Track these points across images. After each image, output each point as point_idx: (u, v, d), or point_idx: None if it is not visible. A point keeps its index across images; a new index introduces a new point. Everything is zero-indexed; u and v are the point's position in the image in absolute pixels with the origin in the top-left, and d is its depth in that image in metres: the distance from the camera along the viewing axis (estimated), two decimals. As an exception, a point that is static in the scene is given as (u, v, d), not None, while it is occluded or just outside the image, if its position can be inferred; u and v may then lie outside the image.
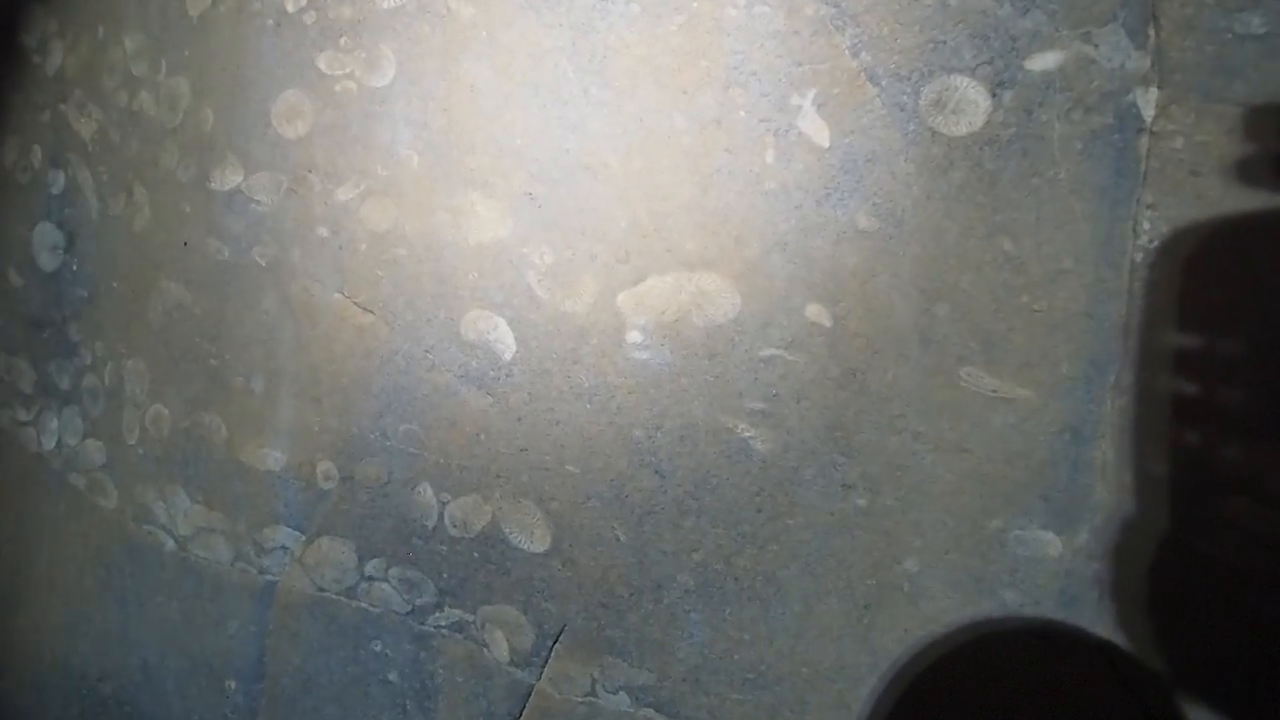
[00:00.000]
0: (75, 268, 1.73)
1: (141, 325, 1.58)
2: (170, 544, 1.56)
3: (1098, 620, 0.98)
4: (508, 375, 1.23)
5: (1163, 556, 0.96)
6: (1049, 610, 1.01)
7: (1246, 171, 0.93)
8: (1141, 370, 0.96)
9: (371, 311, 1.32)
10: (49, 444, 1.78)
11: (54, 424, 1.77)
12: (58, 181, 1.76)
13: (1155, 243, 0.95)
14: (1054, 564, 1.00)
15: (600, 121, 1.17)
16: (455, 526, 1.28)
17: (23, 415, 1.84)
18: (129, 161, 1.62)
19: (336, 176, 1.35)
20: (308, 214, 1.38)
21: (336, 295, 1.35)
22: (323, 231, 1.36)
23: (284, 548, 1.42)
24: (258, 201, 1.43)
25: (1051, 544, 1.00)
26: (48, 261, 1.79)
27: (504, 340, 1.23)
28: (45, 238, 1.79)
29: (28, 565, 1.79)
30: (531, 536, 1.23)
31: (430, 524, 1.30)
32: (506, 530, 1.25)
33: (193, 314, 1.51)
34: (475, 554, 1.27)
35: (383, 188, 1.31)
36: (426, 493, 1.30)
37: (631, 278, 1.16)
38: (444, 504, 1.29)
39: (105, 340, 1.66)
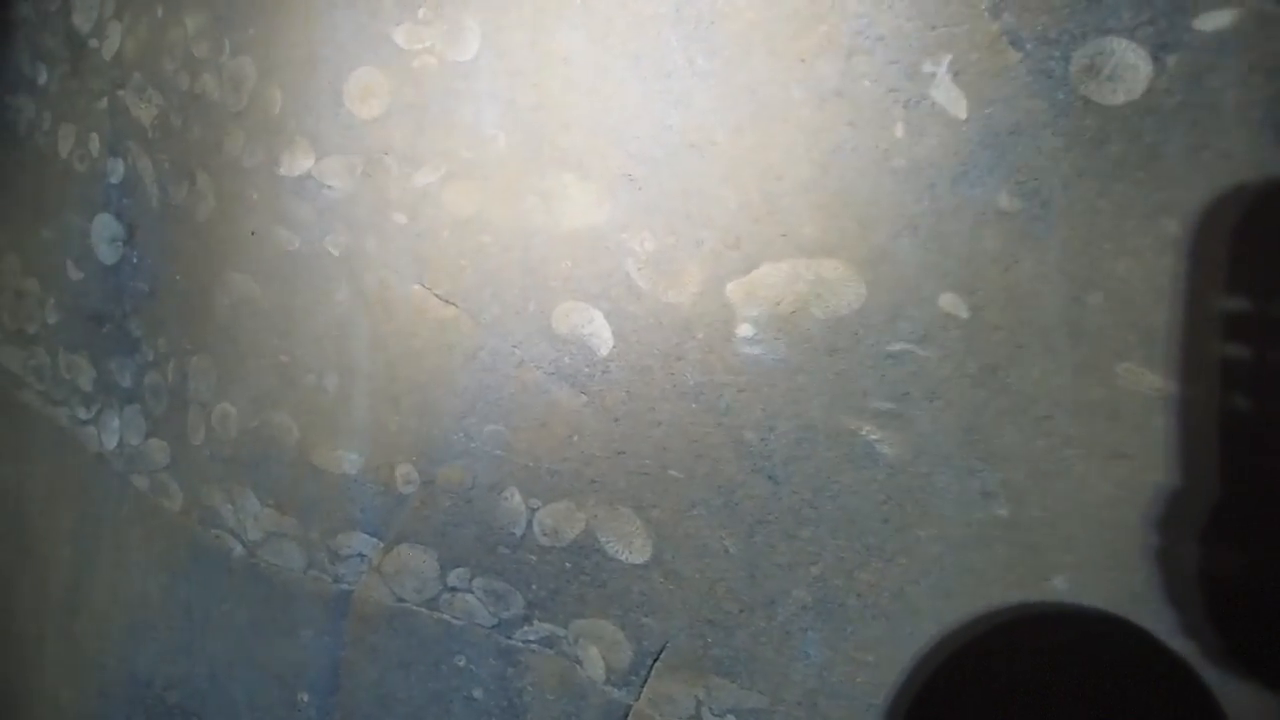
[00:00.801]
0: (136, 260, 1.72)
1: (206, 320, 1.56)
2: (239, 549, 1.53)
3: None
4: (604, 372, 1.18)
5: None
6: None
7: None
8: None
9: (454, 304, 1.28)
10: (110, 443, 1.77)
11: (115, 423, 1.77)
12: (117, 170, 1.75)
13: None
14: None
15: (707, 94, 1.11)
16: (546, 535, 1.23)
17: (83, 413, 1.84)
18: (191, 148, 1.60)
19: (415, 159, 1.31)
20: (384, 199, 1.34)
21: (415, 287, 1.31)
22: (400, 218, 1.32)
23: (360, 555, 1.39)
24: (330, 187, 1.39)
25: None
26: (107, 254, 1.78)
27: (600, 334, 1.18)
28: (105, 229, 1.78)
29: (89, 568, 1.79)
30: (630, 546, 1.18)
31: (518, 532, 1.25)
32: (602, 539, 1.20)
33: (261, 308, 1.48)
34: (567, 564, 1.22)
35: (466, 170, 1.26)
36: (514, 498, 1.25)
37: (742, 265, 1.10)
38: (533, 510, 1.24)
39: (168, 336, 1.64)
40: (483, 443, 1.26)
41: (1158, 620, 0.94)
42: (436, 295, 1.29)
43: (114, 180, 1.75)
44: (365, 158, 1.35)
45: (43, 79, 1.95)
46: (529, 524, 1.24)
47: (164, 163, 1.65)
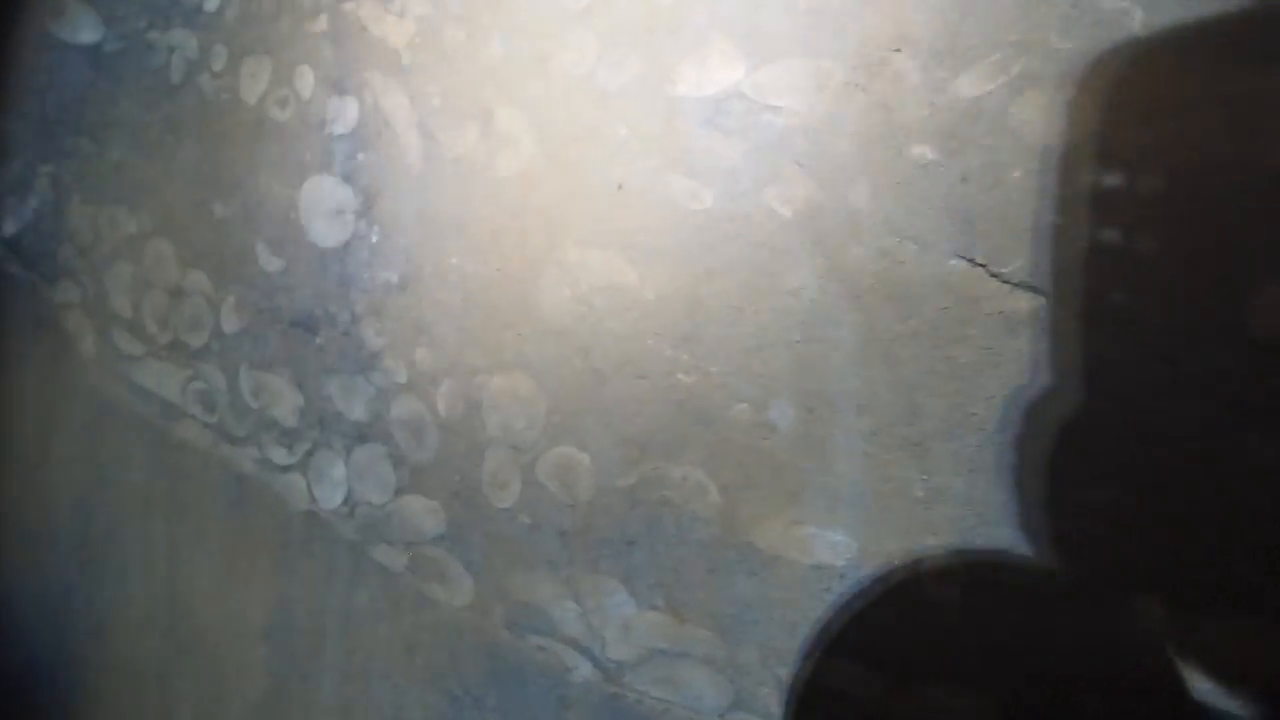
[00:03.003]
0: (376, 239, 1.28)
1: (519, 321, 1.11)
2: (586, 671, 1.07)
3: None
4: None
5: None
6: None
7: None
8: None
9: (1038, 290, 0.82)
10: (331, 499, 1.33)
11: (338, 469, 1.32)
12: (344, 114, 1.32)
13: None
14: None
15: None
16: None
17: (280, 456, 1.39)
18: (485, 71, 1.16)
19: (958, 55, 0.85)
20: (889, 124, 0.89)
21: (956, 262, 0.85)
22: (924, 152, 0.87)
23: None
24: (776, 109, 0.94)
25: None
26: (327, 232, 1.34)
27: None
28: (322, 198, 1.35)
29: (300, 679, 1.34)
30: None
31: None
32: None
33: (637, 299, 1.03)
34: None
35: (1073, 70, 0.81)
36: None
37: None
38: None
39: (435, 346, 1.20)
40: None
41: None
42: (1000, 276, 0.83)
43: (340, 129, 1.32)
44: (854, 60, 0.90)
45: (212, 3, 1.52)
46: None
47: (431, 98, 1.21)
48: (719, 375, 0.97)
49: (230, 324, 1.48)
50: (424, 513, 1.22)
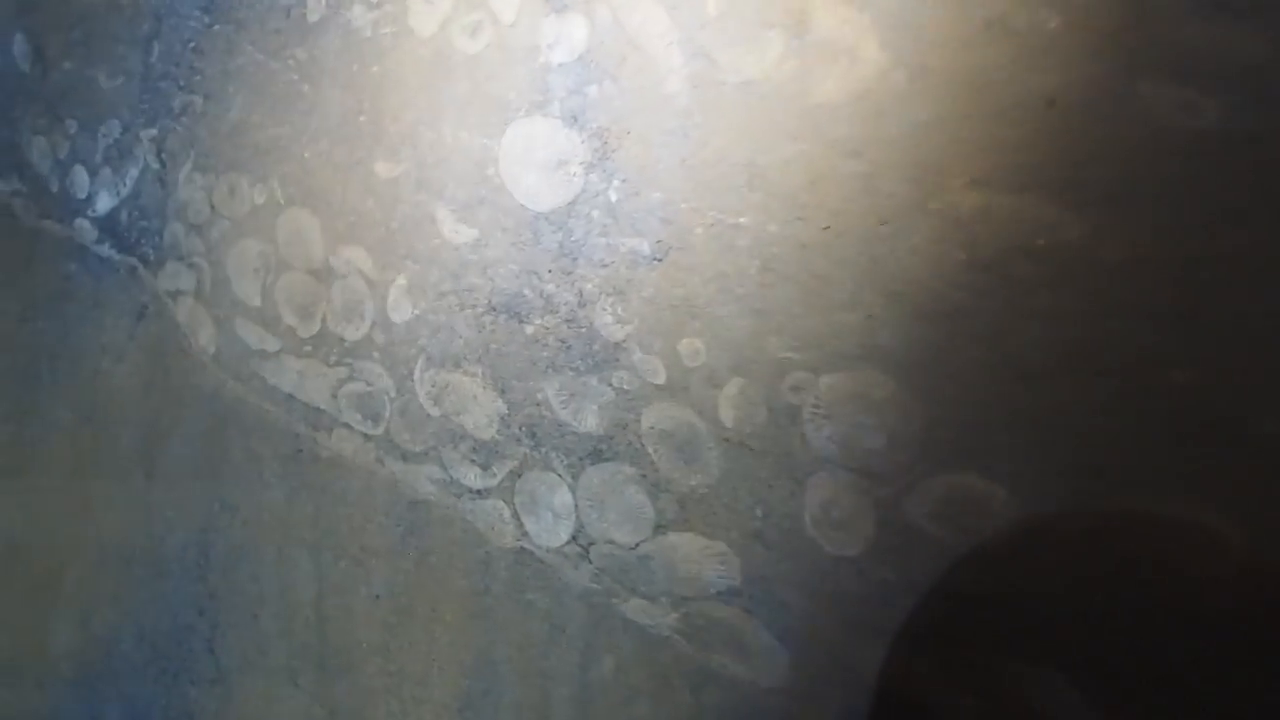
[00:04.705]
0: (616, 197, 0.97)
1: (875, 298, 0.80)
2: None
3: None
4: None
5: None
6: None
7: None
8: None
9: None
10: (551, 534, 1.02)
11: (560, 496, 1.01)
12: (567, 38, 1.01)
13: None
14: None
15: None
16: None
17: (472, 477, 1.09)
18: (796, -36, 0.85)
19: None
20: None
21: None
22: None
23: None
24: None
25: None
26: (542, 191, 1.03)
27: None
28: (535, 146, 1.04)
29: None
30: None
31: None
32: None
33: (1090, 263, 0.71)
34: None
35: None
36: None
37: None
38: None
39: (715, 336, 0.89)
40: None
41: None
42: None
43: (560, 57, 1.01)
44: None
45: (367, -83, 1.22)
46: None
47: (704, 5, 0.90)
48: (1238, 372, 0.65)
49: (400, 311, 1.17)
50: (702, 557, 0.91)
